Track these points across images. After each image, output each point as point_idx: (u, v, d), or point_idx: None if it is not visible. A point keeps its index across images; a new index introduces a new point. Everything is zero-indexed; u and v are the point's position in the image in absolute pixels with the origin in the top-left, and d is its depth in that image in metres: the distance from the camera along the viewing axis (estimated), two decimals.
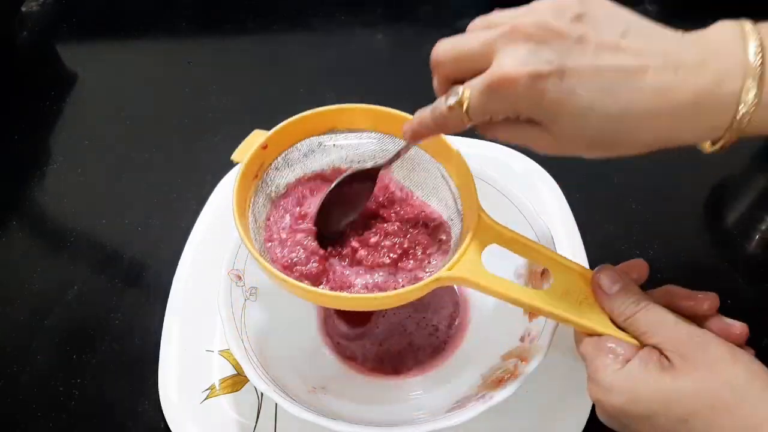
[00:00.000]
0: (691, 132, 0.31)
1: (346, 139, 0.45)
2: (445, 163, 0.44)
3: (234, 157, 0.42)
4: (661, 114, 0.30)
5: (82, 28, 0.86)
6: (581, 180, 0.62)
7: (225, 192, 0.61)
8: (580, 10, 0.30)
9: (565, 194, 0.59)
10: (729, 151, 0.32)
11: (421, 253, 0.44)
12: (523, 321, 0.47)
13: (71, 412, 0.50)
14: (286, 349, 0.49)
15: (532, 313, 0.47)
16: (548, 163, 0.60)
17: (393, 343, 0.51)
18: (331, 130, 0.45)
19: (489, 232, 0.40)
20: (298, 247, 0.43)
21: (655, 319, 0.35)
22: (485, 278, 0.38)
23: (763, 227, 0.60)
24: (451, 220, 0.44)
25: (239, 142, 0.66)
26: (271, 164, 0.44)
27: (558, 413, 0.47)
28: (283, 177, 0.45)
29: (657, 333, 0.34)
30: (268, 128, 0.43)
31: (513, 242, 0.40)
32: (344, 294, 0.40)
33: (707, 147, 0.32)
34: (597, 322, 0.37)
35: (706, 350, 0.33)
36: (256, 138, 0.43)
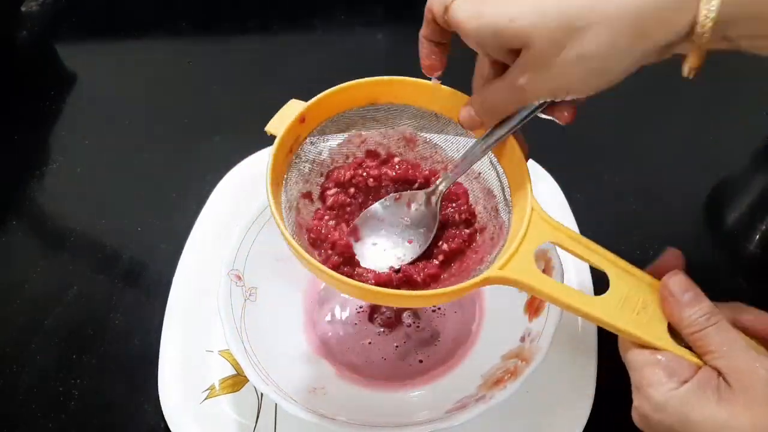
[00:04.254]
0: None
1: (386, 113, 0.42)
2: (495, 148, 0.40)
3: (268, 128, 0.39)
4: None
5: (82, 28, 0.86)
6: (581, 180, 0.62)
7: (225, 192, 0.61)
8: None
9: (565, 194, 0.59)
10: (702, 70, 0.30)
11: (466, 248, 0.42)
12: (523, 321, 0.47)
13: (71, 412, 0.50)
14: (286, 349, 0.49)
15: (533, 312, 0.47)
16: (548, 163, 0.60)
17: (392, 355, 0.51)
18: (372, 104, 0.41)
19: (543, 228, 0.36)
20: (334, 233, 0.41)
21: (725, 340, 0.33)
22: (540, 281, 0.35)
23: (763, 227, 0.60)
24: (496, 211, 0.41)
25: (239, 142, 0.66)
26: (306, 138, 0.40)
27: (558, 413, 0.47)
28: (319, 152, 0.42)
29: (724, 356, 0.32)
30: (263, 128, 0.41)
31: (570, 241, 0.36)
32: (390, 290, 0.36)
33: (684, 68, 0.30)
34: (656, 336, 0.34)
35: None
36: (292, 109, 0.39)
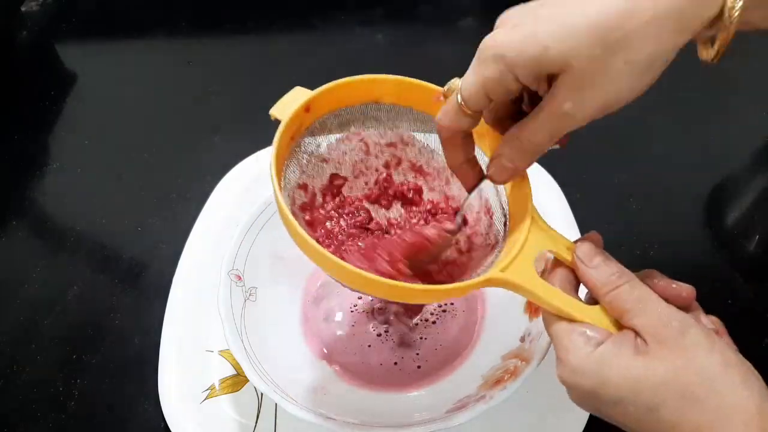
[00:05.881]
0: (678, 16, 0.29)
1: (388, 113, 0.42)
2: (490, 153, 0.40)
3: (273, 112, 0.39)
4: None
5: (82, 28, 0.86)
6: (581, 180, 0.62)
7: (225, 192, 0.61)
8: None
9: (565, 194, 0.59)
10: (724, 56, 0.31)
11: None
12: (523, 321, 0.47)
13: (71, 412, 0.50)
14: (286, 349, 0.49)
15: (532, 312, 0.47)
16: (548, 163, 0.60)
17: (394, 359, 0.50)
18: (375, 102, 0.41)
19: (543, 237, 0.36)
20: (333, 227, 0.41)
21: (639, 296, 0.33)
22: (540, 288, 0.35)
23: (764, 227, 0.60)
24: (490, 216, 0.41)
25: (239, 142, 0.66)
26: (308, 128, 0.40)
27: (558, 413, 0.47)
28: (317, 145, 0.42)
29: (639, 313, 0.33)
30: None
31: (568, 251, 0.36)
32: (391, 282, 0.35)
33: (706, 53, 0.31)
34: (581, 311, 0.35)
35: (683, 336, 0.31)
36: (297, 95, 0.39)
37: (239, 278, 0.49)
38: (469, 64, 0.35)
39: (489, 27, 0.33)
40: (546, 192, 0.59)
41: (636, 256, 0.57)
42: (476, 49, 0.33)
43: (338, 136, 0.42)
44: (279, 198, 0.35)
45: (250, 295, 0.49)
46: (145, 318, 0.55)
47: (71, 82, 0.78)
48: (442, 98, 0.39)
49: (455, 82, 0.33)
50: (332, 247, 0.42)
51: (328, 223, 0.43)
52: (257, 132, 0.67)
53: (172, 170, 0.67)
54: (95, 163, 0.69)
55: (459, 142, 0.36)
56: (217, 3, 0.88)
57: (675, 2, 0.29)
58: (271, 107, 0.39)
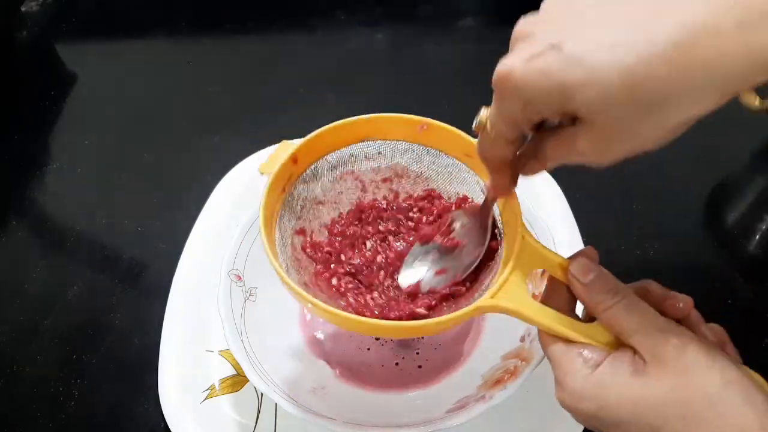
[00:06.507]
0: (738, 59, 0.24)
1: (377, 149, 0.43)
2: (484, 175, 0.41)
3: (262, 169, 0.41)
4: (703, 38, 0.24)
5: (82, 28, 0.86)
6: (581, 180, 0.62)
7: (225, 192, 0.61)
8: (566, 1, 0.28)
9: (565, 194, 0.59)
10: None
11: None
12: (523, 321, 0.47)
13: (71, 413, 0.50)
14: (286, 349, 0.49)
15: None
16: None
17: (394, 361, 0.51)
18: (364, 140, 0.42)
19: (534, 256, 0.36)
20: (327, 271, 0.41)
21: (636, 314, 0.33)
22: (533, 310, 0.35)
23: (763, 227, 0.60)
24: (484, 239, 0.41)
25: (239, 142, 0.66)
26: (299, 177, 0.41)
27: (558, 413, 0.46)
28: (311, 191, 0.43)
29: (637, 331, 0.32)
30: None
31: (561, 269, 0.36)
32: (378, 321, 0.36)
33: (753, 101, 0.29)
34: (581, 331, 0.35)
35: (682, 353, 0.31)
36: (285, 149, 0.40)
37: (239, 278, 0.49)
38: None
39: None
40: (546, 192, 0.59)
41: (636, 256, 0.57)
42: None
43: (331, 178, 0.43)
44: (273, 261, 0.36)
45: (250, 295, 0.49)
46: (145, 318, 0.55)
47: (71, 82, 0.78)
48: (425, 127, 0.41)
49: (484, 114, 0.32)
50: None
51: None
52: (257, 132, 0.68)
53: (172, 170, 0.67)
54: (95, 163, 0.69)
55: (504, 167, 0.34)
56: (217, 3, 0.88)
57: (730, 64, 0.24)
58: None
